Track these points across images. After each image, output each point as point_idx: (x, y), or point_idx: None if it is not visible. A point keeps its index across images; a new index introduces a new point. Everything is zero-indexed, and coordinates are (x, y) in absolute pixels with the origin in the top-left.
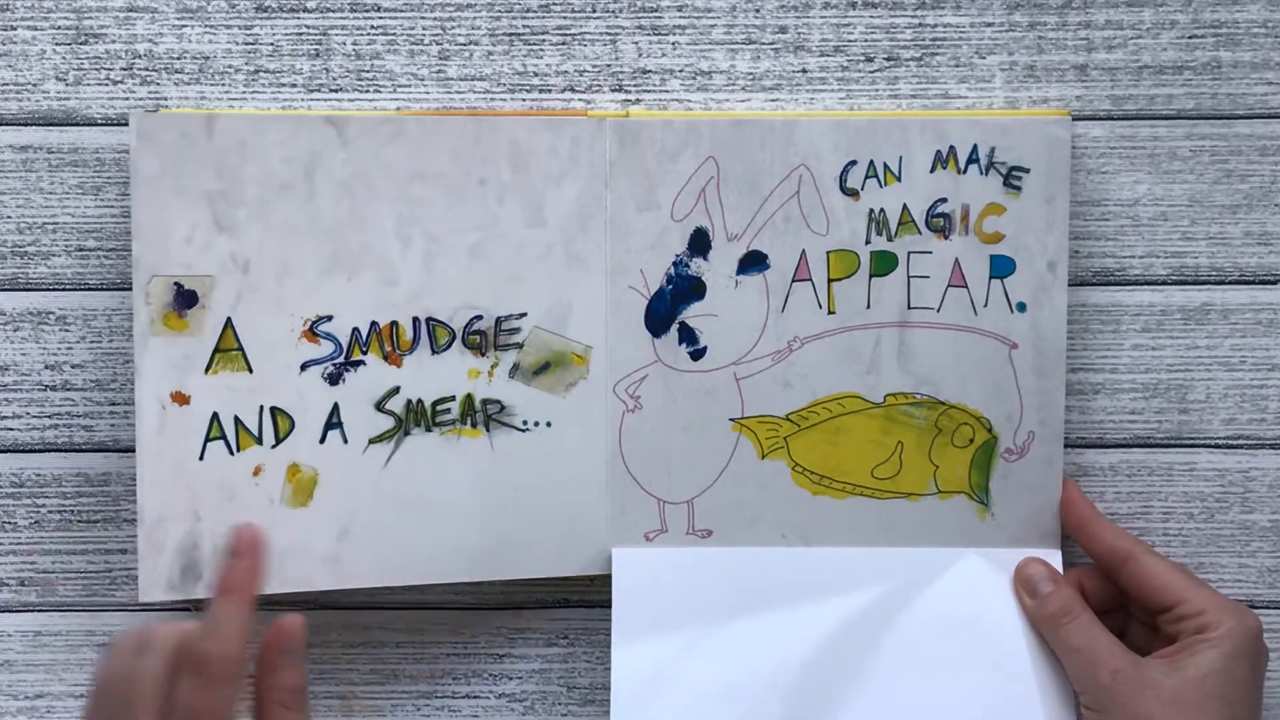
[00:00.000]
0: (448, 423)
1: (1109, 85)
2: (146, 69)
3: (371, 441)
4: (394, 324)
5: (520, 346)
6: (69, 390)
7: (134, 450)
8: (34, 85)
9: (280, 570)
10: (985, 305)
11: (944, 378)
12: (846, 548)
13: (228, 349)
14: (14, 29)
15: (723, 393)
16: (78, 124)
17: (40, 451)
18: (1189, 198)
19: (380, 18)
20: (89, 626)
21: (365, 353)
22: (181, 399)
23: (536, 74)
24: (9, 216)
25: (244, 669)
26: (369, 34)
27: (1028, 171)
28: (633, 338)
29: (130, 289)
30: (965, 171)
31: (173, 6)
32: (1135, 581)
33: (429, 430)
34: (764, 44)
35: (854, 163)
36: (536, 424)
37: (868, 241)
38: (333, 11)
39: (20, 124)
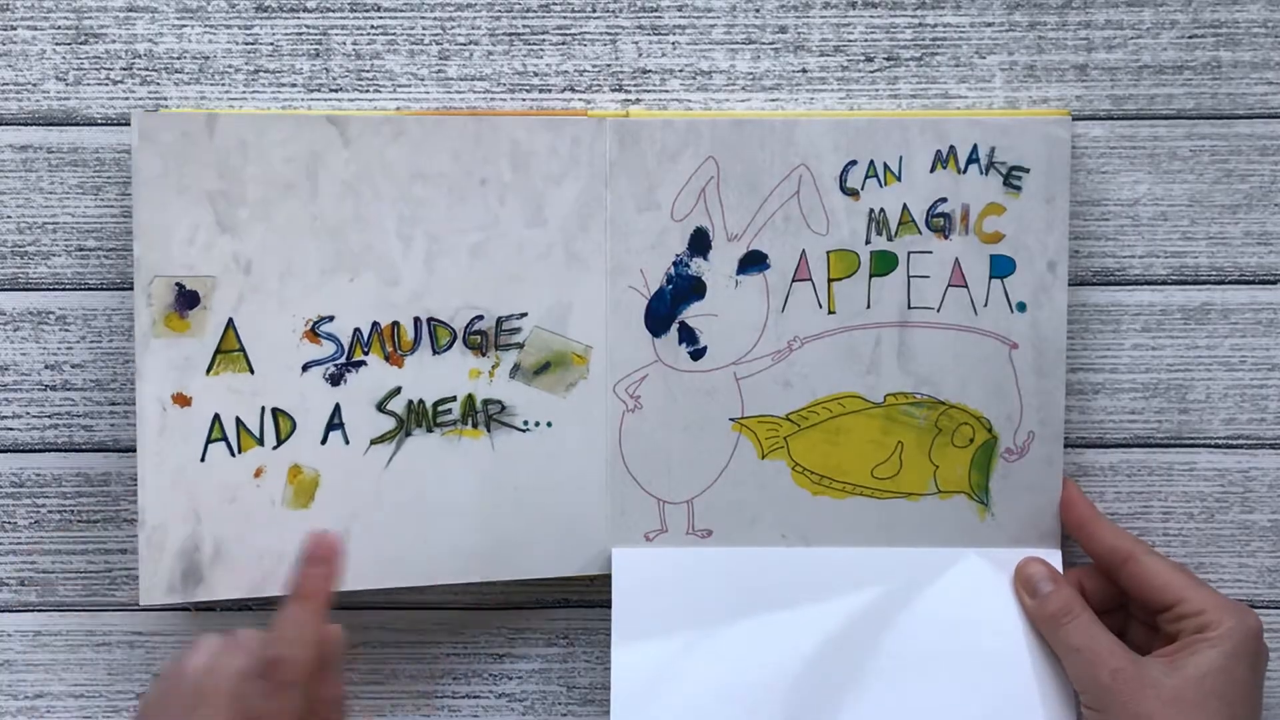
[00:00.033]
0: (449, 423)
1: (1109, 85)
2: (146, 69)
3: (373, 442)
4: (395, 324)
5: (521, 346)
6: (69, 390)
7: (134, 450)
8: (34, 85)
9: (281, 572)
10: (985, 305)
11: (944, 378)
12: (846, 548)
13: (229, 350)
14: (14, 29)
15: (723, 393)
16: (78, 124)
17: (40, 451)
18: (1189, 198)
19: (380, 18)
20: (89, 626)
21: (367, 353)
22: (183, 400)
23: (536, 74)
24: (9, 216)
25: (323, 671)
26: (369, 34)
27: (1028, 171)
28: (633, 338)
29: (130, 289)
30: (965, 171)
31: (173, 6)
32: (1135, 581)
33: (430, 431)
34: (764, 44)
35: (854, 163)
36: (537, 424)
37: (868, 241)
38: (333, 11)
39: (20, 124)
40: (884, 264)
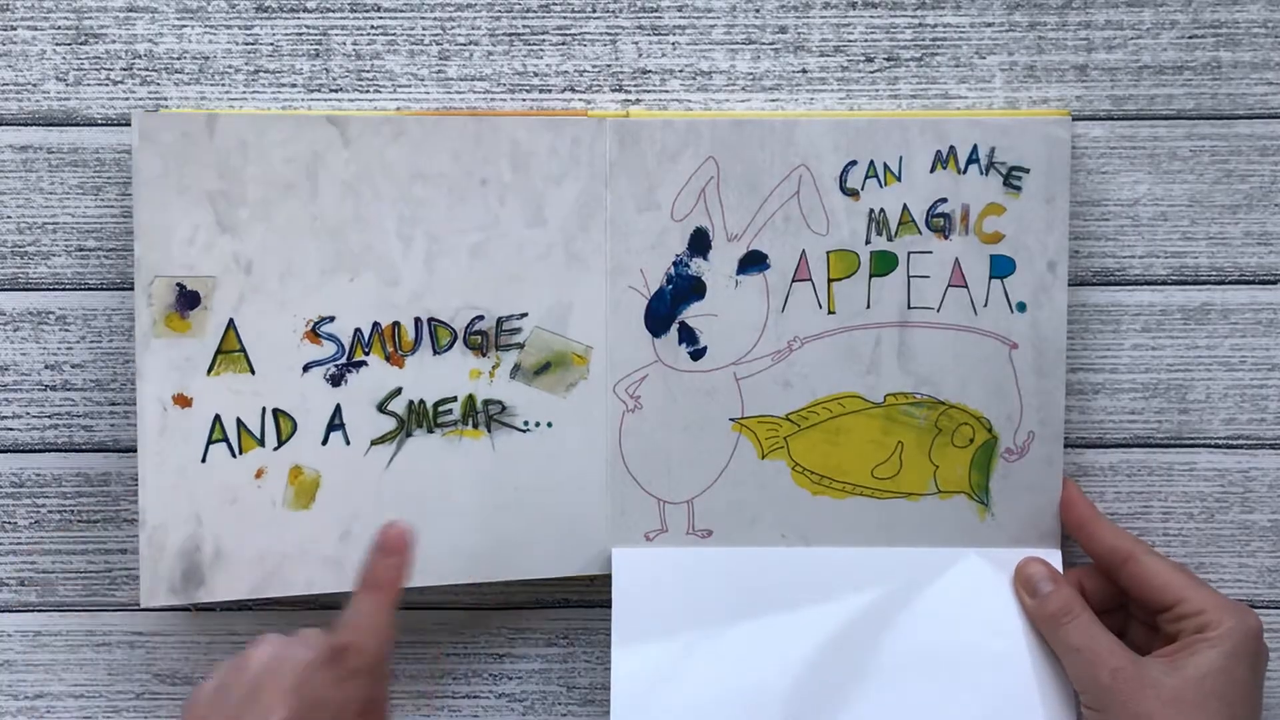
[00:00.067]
0: (449, 423)
1: (1109, 85)
2: (146, 69)
3: (373, 443)
4: (396, 324)
5: (521, 347)
6: (69, 390)
7: (134, 450)
8: (34, 85)
9: (282, 573)
10: (985, 305)
11: (944, 378)
12: (846, 548)
13: (230, 350)
14: (14, 29)
15: (723, 393)
16: (78, 124)
17: (40, 451)
18: (1189, 198)
19: (380, 18)
20: (89, 626)
21: (367, 353)
22: (183, 401)
23: (536, 74)
24: (9, 216)
25: (384, 665)
26: (369, 34)
27: (1028, 171)
28: (633, 338)
29: (131, 289)
30: (965, 171)
31: (173, 6)
32: (1135, 581)
33: (431, 431)
34: (764, 44)
35: (854, 163)
36: (537, 424)
37: (868, 241)
38: (333, 11)
39: (20, 124)
40: (884, 264)
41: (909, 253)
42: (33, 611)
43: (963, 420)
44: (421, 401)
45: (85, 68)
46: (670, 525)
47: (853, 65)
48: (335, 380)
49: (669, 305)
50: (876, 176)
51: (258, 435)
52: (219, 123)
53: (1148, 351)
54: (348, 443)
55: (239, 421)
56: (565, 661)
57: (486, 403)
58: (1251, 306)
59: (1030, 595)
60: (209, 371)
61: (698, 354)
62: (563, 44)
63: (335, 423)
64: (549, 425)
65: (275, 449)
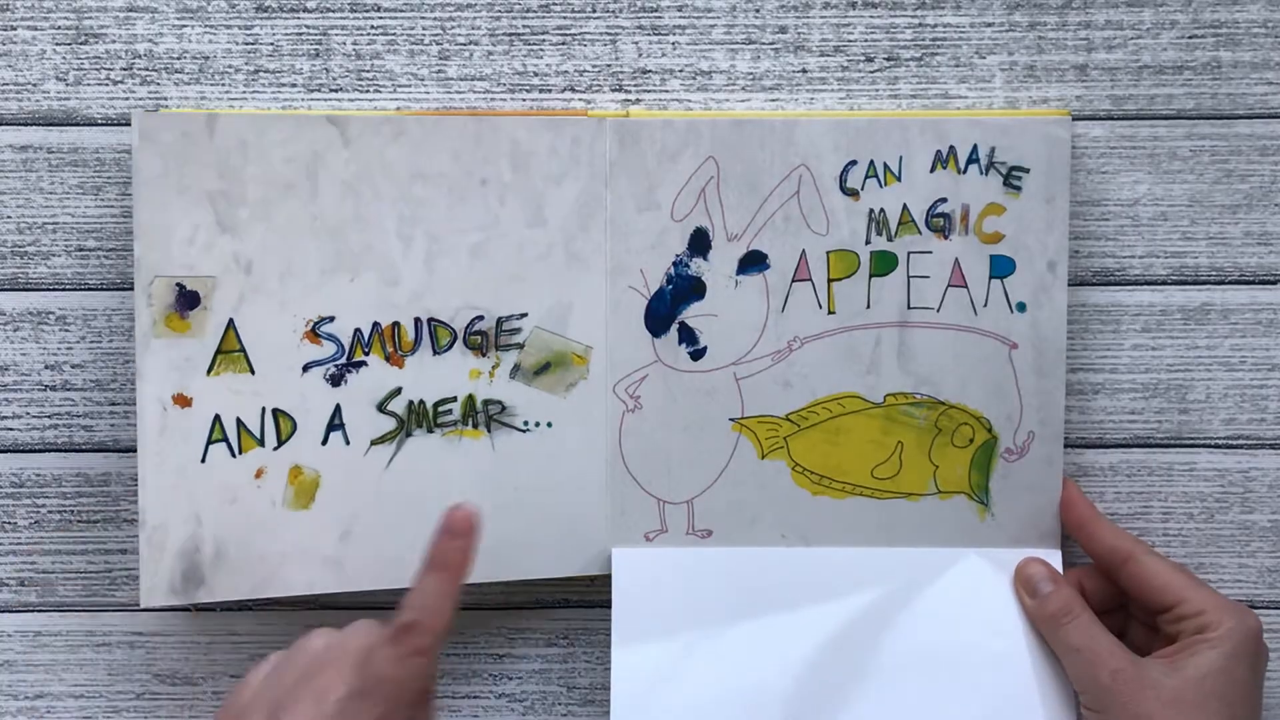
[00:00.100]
0: (449, 423)
1: (1109, 85)
2: (146, 69)
3: (373, 443)
4: (395, 324)
5: (521, 347)
6: (69, 390)
7: (134, 450)
8: (34, 85)
9: (282, 573)
10: (985, 305)
11: (944, 378)
12: (846, 548)
13: (230, 350)
14: (14, 29)
15: (723, 393)
16: (78, 124)
17: (40, 451)
18: (1189, 198)
19: (380, 18)
20: (89, 626)
21: (367, 353)
22: (183, 401)
23: (536, 74)
24: (9, 216)
25: (442, 647)
26: (369, 34)
27: (1028, 171)
28: (633, 338)
29: (130, 289)
30: (965, 171)
31: (173, 6)
32: (1135, 581)
33: (430, 431)
34: (764, 44)
35: (854, 163)
36: (537, 424)
37: (868, 241)
38: (333, 11)
39: (20, 124)
40: (884, 264)
41: (909, 253)
42: (33, 611)
43: (963, 420)
44: (421, 401)
45: (85, 68)
46: (670, 525)
47: (853, 65)
48: (335, 380)
49: (669, 305)
50: (876, 176)
51: (257, 435)
52: (219, 123)
53: (1148, 351)
54: (347, 443)
55: (239, 421)
56: (565, 661)
57: (486, 403)
58: (1251, 306)
59: (1030, 595)
60: (209, 371)
61: (698, 354)
62: (563, 44)
63: (335, 423)
64: (549, 425)
65: (275, 449)
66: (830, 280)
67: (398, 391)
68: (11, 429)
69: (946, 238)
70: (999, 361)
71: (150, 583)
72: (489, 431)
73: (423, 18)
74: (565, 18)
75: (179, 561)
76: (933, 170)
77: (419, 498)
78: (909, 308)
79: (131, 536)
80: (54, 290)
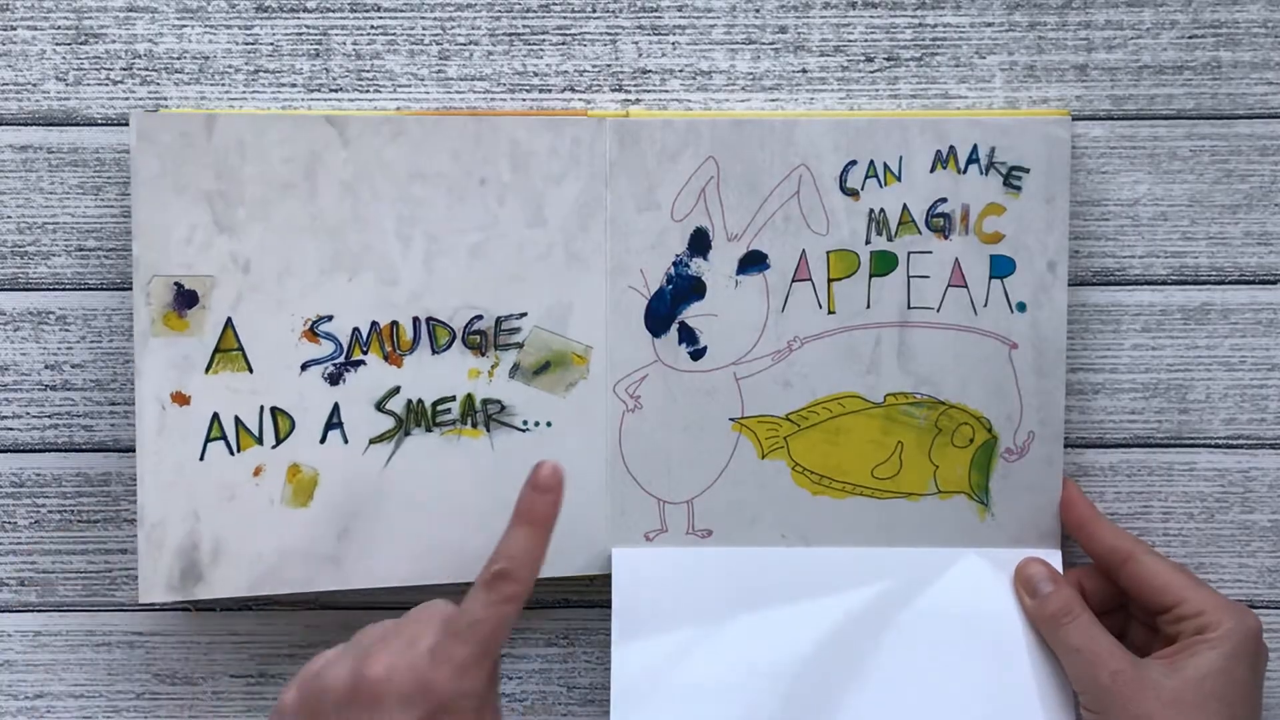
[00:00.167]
0: (448, 423)
1: (1109, 85)
2: (146, 69)
3: (372, 442)
4: (394, 324)
5: (520, 346)
6: (69, 390)
7: (134, 450)
8: (34, 85)
9: (280, 571)
10: (985, 305)
11: (944, 378)
12: (846, 547)
13: (228, 349)
14: (14, 29)
15: (723, 393)
16: (78, 124)
17: (40, 451)
18: (1189, 198)
19: (380, 18)
20: (89, 626)
21: (366, 353)
22: (182, 399)
23: (536, 74)
24: (9, 216)
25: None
26: (369, 34)
27: (1028, 171)
28: (633, 338)
29: (130, 289)
30: (965, 171)
31: (173, 6)
32: (1135, 581)
33: (429, 430)
34: (764, 44)
35: (854, 163)
36: (537, 424)
37: (868, 241)
38: (333, 11)
39: (20, 124)
40: (884, 264)
41: (909, 253)
42: (33, 611)
43: (963, 420)
44: (420, 401)
45: (85, 68)
46: (670, 525)
47: (853, 65)
48: (333, 379)
49: (669, 305)
50: (876, 176)
51: (256, 433)
52: (217, 123)
53: (1148, 351)
54: (346, 441)
55: (237, 420)
56: (565, 661)
57: (485, 402)
58: (1251, 306)
59: (1030, 595)
60: (207, 370)
61: (698, 354)
62: (563, 44)
63: (333, 421)
64: (548, 425)
65: (273, 447)
66: (830, 280)
67: (396, 391)
68: (11, 429)
69: (946, 238)
70: (999, 361)
71: (149, 579)
72: (488, 431)
73: (423, 18)
74: (565, 18)
75: (177, 558)
76: (933, 170)
77: (418, 497)
78: (909, 308)
79: (131, 536)
80: (54, 290)
